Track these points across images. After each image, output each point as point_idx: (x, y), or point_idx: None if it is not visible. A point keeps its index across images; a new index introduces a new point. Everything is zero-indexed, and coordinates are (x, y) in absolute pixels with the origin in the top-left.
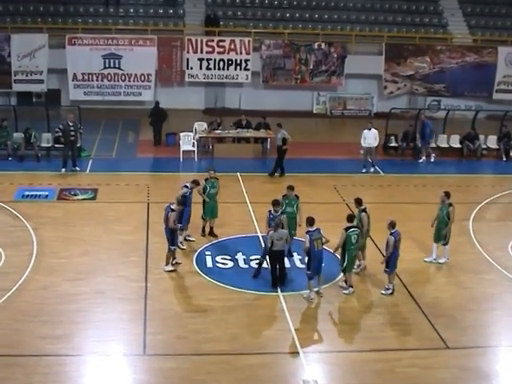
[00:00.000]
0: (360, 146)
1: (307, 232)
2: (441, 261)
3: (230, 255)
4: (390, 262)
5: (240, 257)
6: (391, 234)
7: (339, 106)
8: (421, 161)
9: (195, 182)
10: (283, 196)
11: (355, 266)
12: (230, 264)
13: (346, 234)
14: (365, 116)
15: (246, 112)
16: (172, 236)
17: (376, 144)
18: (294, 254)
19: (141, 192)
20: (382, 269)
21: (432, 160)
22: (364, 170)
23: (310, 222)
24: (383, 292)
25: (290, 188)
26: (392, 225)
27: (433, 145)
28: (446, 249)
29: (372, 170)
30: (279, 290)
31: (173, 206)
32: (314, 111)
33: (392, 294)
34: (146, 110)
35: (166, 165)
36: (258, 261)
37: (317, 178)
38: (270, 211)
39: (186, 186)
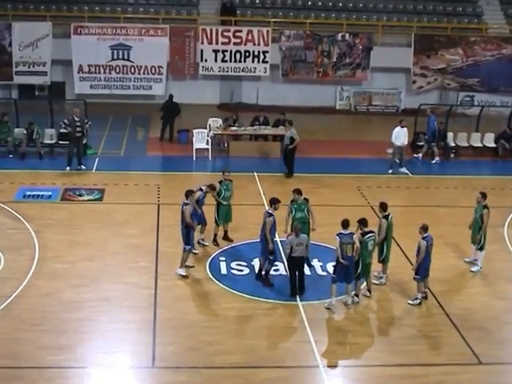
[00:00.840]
0: (388, 145)
1: (338, 234)
2: (473, 269)
3: (246, 261)
4: (421, 268)
5: (257, 263)
6: (423, 238)
7: (364, 102)
8: (434, 161)
9: (211, 187)
10: (291, 201)
11: (379, 281)
12: (246, 270)
13: (363, 239)
14: (392, 112)
15: (264, 108)
16: (187, 233)
17: (406, 143)
18: (314, 260)
19: (151, 193)
20: (410, 277)
21: (434, 161)
22: (390, 171)
23: (344, 224)
24: (411, 302)
25: (297, 192)
26: (424, 228)
27: (454, 144)
28: (480, 255)
29: (402, 169)
30: (298, 299)
31: (186, 201)
32: (337, 107)
33: (420, 304)
34: (157, 104)
35: (177, 164)
36: (272, 268)
37: (339, 178)
38: (270, 214)
39: (201, 189)
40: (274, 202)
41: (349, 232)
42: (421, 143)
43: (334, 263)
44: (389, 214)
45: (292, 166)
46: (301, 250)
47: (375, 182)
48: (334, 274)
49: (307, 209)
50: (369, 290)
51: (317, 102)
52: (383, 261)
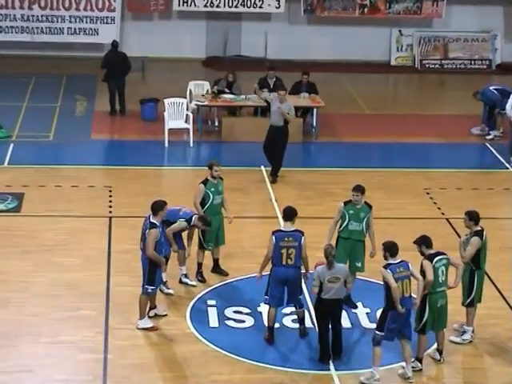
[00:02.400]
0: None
1: (387, 266)
2: None
3: (249, 306)
4: None
5: (265, 309)
6: None
7: (436, 54)
8: (490, 137)
9: (203, 221)
10: (345, 203)
11: (461, 338)
12: (249, 321)
13: (432, 265)
14: (480, 69)
15: (277, 64)
16: (150, 269)
17: None
18: (359, 304)
19: (98, 199)
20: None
21: (490, 137)
22: None
23: (391, 249)
24: None
25: (359, 190)
26: None
27: None
28: None
29: None
30: (332, 367)
31: (154, 219)
32: (393, 62)
33: None
34: None
35: (140, 153)
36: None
37: (397, 175)
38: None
39: (188, 221)
40: (292, 215)
41: (399, 261)
42: None
43: (382, 310)
44: (482, 230)
45: (280, 162)
46: (336, 289)
47: (453, 181)
48: (379, 329)
49: (367, 219)
50: (440, 351)
51: (360, 54)
52: (471, 304)
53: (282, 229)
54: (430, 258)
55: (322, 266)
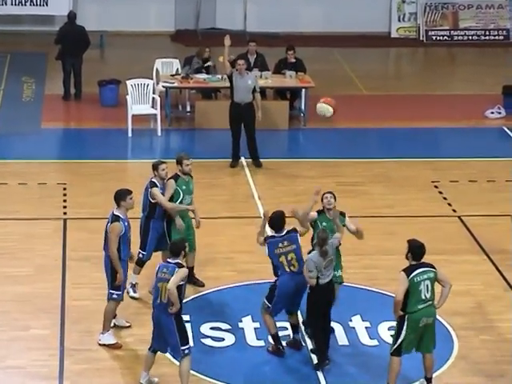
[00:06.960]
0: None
1: (410, 268)
2: None
3: (228, 322)
4: None
5: (248, 324)
6: None
7: (444, 23)
8: None
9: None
10: (318, 212)
11: None
12: (229, 339)
13: (409, 279)
14: (496, 42)
15: (258, 37)
16: (114, 271)
17: None
18: (356, 317)
19: (50, 199)
20: None
21: None
22: None
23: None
24: None
25: (329, 197)
26: None
27: None
28: None
29: None
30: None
31: (118, 211)
32: (394, 34)
33: None
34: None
35: (99, 144)
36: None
37: (400, 166)
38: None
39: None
40: (281, 225)
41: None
42: None
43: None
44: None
45: (255, 141)
46: (331, 269)
47: (466, 172)
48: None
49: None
50: (428, 380)
51: (356, 25)
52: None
53: (274, 234)
54: (409, 270)
55: (314, 252)
